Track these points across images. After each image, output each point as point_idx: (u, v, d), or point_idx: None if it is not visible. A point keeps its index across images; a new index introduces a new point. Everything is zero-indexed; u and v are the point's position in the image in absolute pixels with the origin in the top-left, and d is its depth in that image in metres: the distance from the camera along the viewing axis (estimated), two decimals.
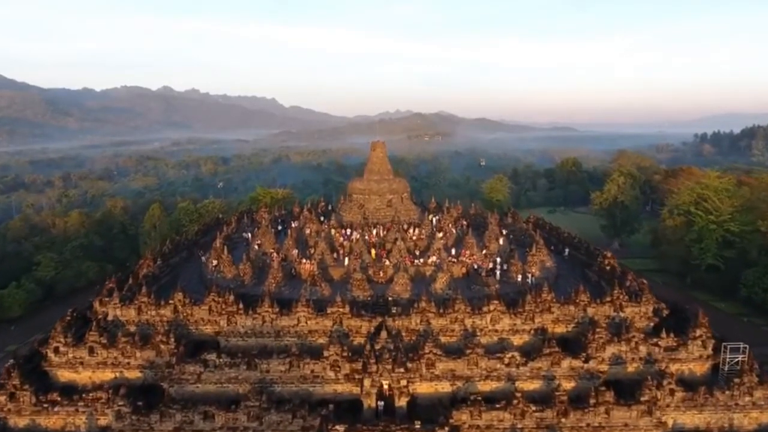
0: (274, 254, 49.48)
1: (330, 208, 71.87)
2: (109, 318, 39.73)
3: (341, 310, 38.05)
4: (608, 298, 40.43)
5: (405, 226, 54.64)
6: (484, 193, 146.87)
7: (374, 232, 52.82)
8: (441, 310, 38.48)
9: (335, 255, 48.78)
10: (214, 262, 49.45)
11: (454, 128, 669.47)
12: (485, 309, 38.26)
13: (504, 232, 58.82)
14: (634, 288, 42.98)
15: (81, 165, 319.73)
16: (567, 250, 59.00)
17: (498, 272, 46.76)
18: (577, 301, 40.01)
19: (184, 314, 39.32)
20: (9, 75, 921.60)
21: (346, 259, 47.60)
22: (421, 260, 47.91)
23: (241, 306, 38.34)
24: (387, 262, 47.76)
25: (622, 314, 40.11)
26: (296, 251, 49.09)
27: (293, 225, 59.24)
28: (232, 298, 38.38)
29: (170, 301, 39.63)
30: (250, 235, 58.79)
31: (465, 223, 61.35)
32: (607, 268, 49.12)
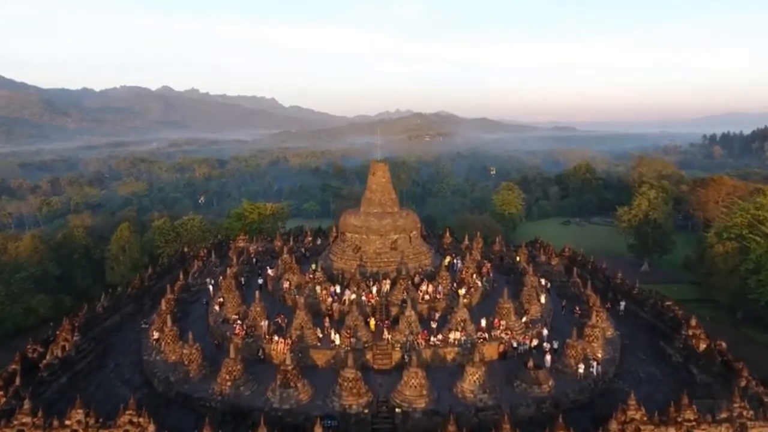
0: (238, 324, 36.05)
1: (319, 241, 58.34)
2: None
3: None
4: (724, 413, 26.96)
5: (416, 279, 41.09)
6: (495, 206, 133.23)
7: (374, 289, 39.14)
8: None
9: (319, 331, 34.99)
10: (155, 336, 36.10)
11: (455, 128, 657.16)
12: None
13: (542, 281, 45.27)
14: (753, 389, 29.56)
15: (73, 167, 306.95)
16: (623, 304, 45.50)
17: (548, 355, 33.32)
18: (679, 419, 26.52)
19: None
20: (8, 75, 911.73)
21: (336, 337, 34.03)
22: (440, 336, 34.39)
23: None
24: (390, 337, 34.38)
25: None
26: (266, 322, 35.51)
27: (269, 271, 45.74)
28: (152, 429, 24.79)
29: (67, 422, 26.19)
30: (211, 287, 45.17)
31: (489, 265, 47.74)
32: (693, 342, 35.67)
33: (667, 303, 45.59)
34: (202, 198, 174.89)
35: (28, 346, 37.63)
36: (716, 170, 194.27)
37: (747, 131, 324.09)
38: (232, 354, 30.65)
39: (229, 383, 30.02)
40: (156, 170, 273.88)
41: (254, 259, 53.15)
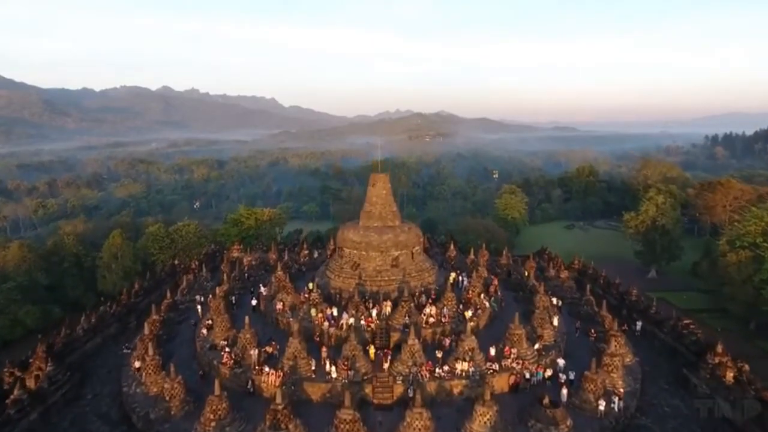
0: (226, 351, 33.17)
1: (316, 254, 55.42)
2: None
3: None
4: None
5: (421, 299, 38.17)
6: (498, 210, 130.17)
7: (374, 312, 36.23)
8: None
9: (314, 361, 31.89)
10: (137, 364, 33.24)
11: (455, 128, 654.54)
12: None
13: (554, 300, 42.39)
14: None
15: (71, 168, 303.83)
16: (640, 324, 42.62)
17: (564, 389, 30.41)
18: None
19: None
20: (8, 75, 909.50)
21: (333, 369, 31.12)
22: (446, 368, 31.48)
23: None
24: (391, 369, 31.43)
25: None
26: (256, 351, 32.61)
27: (262, 289, 42.82)
28: None
29: None
30: (200, 306, 42.24)
31: (496, 283, 44.78)
32: (720, 371, 32.75)
33: (686, 321, 42.78)
34: (197, 203, 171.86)
35: (5, 370, 34.94)
36: (719, 171, 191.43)
37: (748, 131, 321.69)
38: (217, 390, 27.75)
39: (213, 423, 27.12)
40: (155, 171, 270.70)
41: (247, 275, 50.13)
